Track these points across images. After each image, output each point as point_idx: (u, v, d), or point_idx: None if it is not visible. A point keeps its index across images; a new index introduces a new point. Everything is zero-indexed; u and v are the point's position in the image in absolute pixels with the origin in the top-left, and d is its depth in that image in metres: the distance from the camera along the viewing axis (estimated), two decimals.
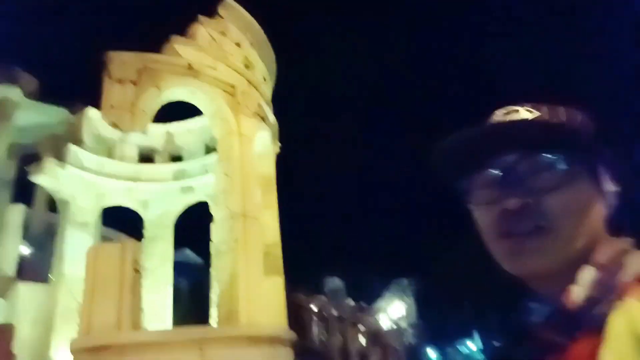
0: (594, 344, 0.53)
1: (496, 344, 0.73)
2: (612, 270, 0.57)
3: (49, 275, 10.86)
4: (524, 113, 0.66)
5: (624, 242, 0.61)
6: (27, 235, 13.12)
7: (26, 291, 9.89)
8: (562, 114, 0.66)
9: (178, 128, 12.62)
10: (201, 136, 12.18)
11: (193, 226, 12.99)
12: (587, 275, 0.57)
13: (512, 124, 0.64)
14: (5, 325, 7.05)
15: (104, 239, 15.88)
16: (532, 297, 0.65)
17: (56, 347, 8.88)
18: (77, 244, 10.02)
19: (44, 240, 13.46)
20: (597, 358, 0.52)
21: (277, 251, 9.55)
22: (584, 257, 0.59)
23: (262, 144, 10.12)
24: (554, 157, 0.61)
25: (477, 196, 0.65)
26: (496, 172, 0.62)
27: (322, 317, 17.84)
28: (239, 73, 9.26)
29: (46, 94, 12.40)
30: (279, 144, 10.86)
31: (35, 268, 13.14)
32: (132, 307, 6.86)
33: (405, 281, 29.02)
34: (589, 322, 0.55)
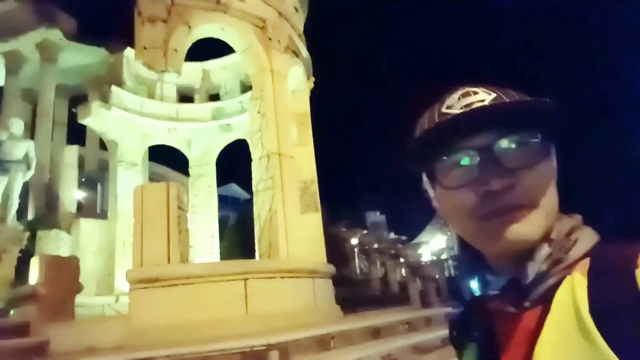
0: (540, 314, 0.57)
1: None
2: (563, 245, 0.60)
3: (107, 211, 11.69)
4: (483, 94, 0.63)
5: (575, 219, 0.64)
6: (83, 173, 13.98)
7: (87, 226, 10.74)
8: (515, 94, 0.63)
9: (213, 65, 12.47)
10: (236, 73, 11.99)
11: (239, 161, 13.13)
12: (543, 251, 0.60)
13: (491, 108, 0.60)
14: (70, 257, 7.78)
15: (155, 175, 16.74)
16: (489, 270, 0.69)
17: (117, 276, 9.79)
18: (128, 182, 10.60)
19: (98, 177, 14.36)
20: (541, 327, 0.55)
21: (314, 188, 9.62)
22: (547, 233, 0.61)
23: (296, 80, 9.81)
24: (531, 135, 0.61)
25: (451, 179, 0.63)
26: (472, 153, 0.61)
27: (364, 249, 18.38)
28: (268, 4, 8.77)
29: (83, 35, 12.38)
30: (313, 79, 10.50)
31: (93, 205, 14.20)
32: (179, 242, 7.23)
33: None
34: (538, 293, 0.60)
